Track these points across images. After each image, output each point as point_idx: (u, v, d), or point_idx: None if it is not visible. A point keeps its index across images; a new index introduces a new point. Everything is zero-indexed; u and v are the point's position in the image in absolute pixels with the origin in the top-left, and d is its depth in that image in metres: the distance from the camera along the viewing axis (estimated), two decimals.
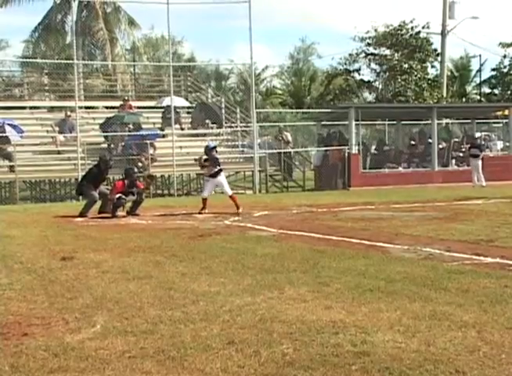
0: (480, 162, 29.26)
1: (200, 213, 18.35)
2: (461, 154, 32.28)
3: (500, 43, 53.56)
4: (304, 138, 37.92)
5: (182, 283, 8.61)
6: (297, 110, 49.93)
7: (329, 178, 29.87)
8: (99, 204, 18.96)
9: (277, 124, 37.44)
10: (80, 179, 21.35)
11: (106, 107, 35.30)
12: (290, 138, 33.62)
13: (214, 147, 19.75)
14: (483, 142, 33.15)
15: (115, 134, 28.95)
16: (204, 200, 18.76)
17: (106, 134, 29.38)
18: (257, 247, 11.71)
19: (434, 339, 5.97)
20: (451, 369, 5.25)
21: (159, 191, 29.77)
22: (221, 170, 18.97)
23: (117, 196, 18.27)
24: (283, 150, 31.87)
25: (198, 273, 9.34)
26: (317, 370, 5.29)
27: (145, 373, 5.36)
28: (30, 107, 34.24)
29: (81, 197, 22.11)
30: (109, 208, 18.47)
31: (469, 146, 30.95)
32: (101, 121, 30.41)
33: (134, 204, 18.61)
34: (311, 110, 44.80)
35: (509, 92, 51.34)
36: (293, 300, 7.57)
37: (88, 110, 33.85)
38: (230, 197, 18.81)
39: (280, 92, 68.91)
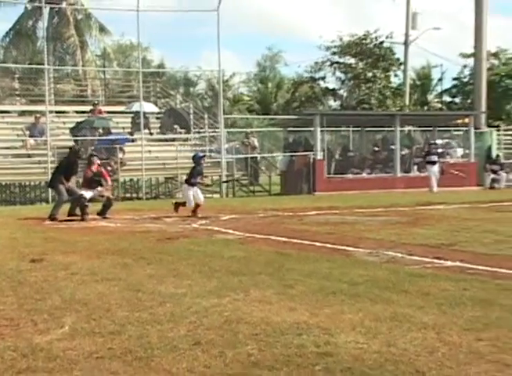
0: (436, 168, 29.60)
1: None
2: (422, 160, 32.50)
3: (461, 53, 54.06)
4: (271, 143, 37.96)
5: (149, 285, 8.58)
6: (264, 117, 49.99)
7: (294, 183, 29.93)
8: (70, 207, 18.84)
9: (244, 129, 37.47)
10: (52, 172, 20.97)
11: (77, 112, 35.12)
12: (256, 143, 33.66)
13: (201, 157, 19.81)
14: (443, 150, 33.38)
15: (85, 138, 28.80)
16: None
17: (76, 138, 29.21)
18: (224, 250, 11.70)
19: (394, 340, 6.01)
20: (411, 369, 5.29)
21: (128, 194, 29.64)
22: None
23: (80, 193, 18.28)
24: (249, 156, 31.92)
25: (165, 275, 9.31)
26: (281, 370, 5.30)
27: (112, 373, 5.33)
28: (1, 111, 33.94)
29: (50, 200, 21.95)
30: (78, 211, 18.39)
31: (425, 152, 31.24)
32: (71, 126, 30.26)
33: (103, 207, 18.53)
34: (277, 117, 44.91)
35: (469, 101, 51.72)
36: (258, 302, 7.57)
37: (59, 115, 33.66)
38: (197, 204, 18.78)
39: (247, 98, 68.93)
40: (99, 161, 19.48)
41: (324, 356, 5.59)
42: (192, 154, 20.12)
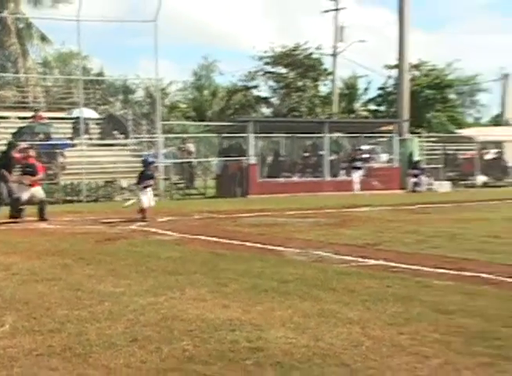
0: (361, 173, 30.09)
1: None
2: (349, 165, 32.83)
3: (385, 65, 54.76)
4: (206, 149, 37.92)
5: (88, 285, 8.50)
6: (200, 123, 49.84)
7: (229, 187, 29.95)
8: (10, 209, 18.51)
9: (181, 135, 37.34)
10: None
11: (19, 118, 34.54)
12: (192, 149, 33.58)
13: (149, 163, 19.49)
14: (368, 155, 33.77)
15: (26, 143, 28.33)
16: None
17: (17, 143, 28.70)
18: (161, 251, 11.65)
19: (322, 335, 6.06)
20: (337, 362, 5.35)
21: (68, 197, 29.25)
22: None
23: (17, 195, 18.00)
24: (186, 160, 31.86)
25: (104, 275, 9.23)
26: (215, 364, 5.32)
27: (52, 370, 5.27)
28: None
29: None
30: (18, 213, 18.09)
31: (351, 158, 31.66)
32: (13, 131, 29.78)
33: (39, 210, 18.23)
34: (212, 123, 44.83)
35: (393, 110, 52.49)
36: (193, 300, 7.56)
37: (1, 120, 33.08)
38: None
39: (184, 105, 68.67)
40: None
41: (256, 351, 5.62)
42: (138, 158, 19.74)
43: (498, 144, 40.70)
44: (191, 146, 33.63)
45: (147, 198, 18.25)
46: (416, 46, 67.55)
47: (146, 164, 19.19)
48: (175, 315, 6.84)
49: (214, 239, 13.52)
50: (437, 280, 8.72)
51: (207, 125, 45.93)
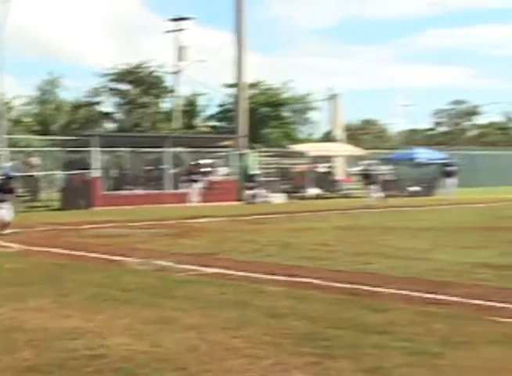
0: (199, 185, 30.46)
1: None
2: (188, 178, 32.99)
3: (224, 84, 55.41)
4: (51, 162, 36.99)
5: None
6: (44, 137, 48.37)
7: (73, 199, 29.34)
8: None
9: (25, 149, 36.25)
10: None
11: None
12: (36, 162, 32.68)
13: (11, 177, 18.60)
14: (209, 169, 34.04)
15: None
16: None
17: None
18: (3, 262, 11.28)
19: (160, 341, 6.07)
20: (174, 366, 5.37)
21: None
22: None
23: None
24: (30, 173, 30.97)
25: None
26: (55, 373, 5.22)
27: None
28: None
29: None
30: None
31: (189, 171, 31.92)
32: None
33: None
34: (57, 137, 43.66)
35: (232, 126, 53.13)
36: (35, 310, 7.38)
37: None
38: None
39: (29, 120, 66.74)
40: None
41: (96, 358, 5.56)
42: None
43: (328, 159, 42.08)
44: (35, 160, 32.73)
45: (5, 213, 17.43)
46: (253, 67, 68.70)
47: (7, 178, 18.37)
48: (16, 326, 6.65)
49: (58, 250, 13.22)
50: (270, 286, 8.92)
51: (52, 139, 44.85)
